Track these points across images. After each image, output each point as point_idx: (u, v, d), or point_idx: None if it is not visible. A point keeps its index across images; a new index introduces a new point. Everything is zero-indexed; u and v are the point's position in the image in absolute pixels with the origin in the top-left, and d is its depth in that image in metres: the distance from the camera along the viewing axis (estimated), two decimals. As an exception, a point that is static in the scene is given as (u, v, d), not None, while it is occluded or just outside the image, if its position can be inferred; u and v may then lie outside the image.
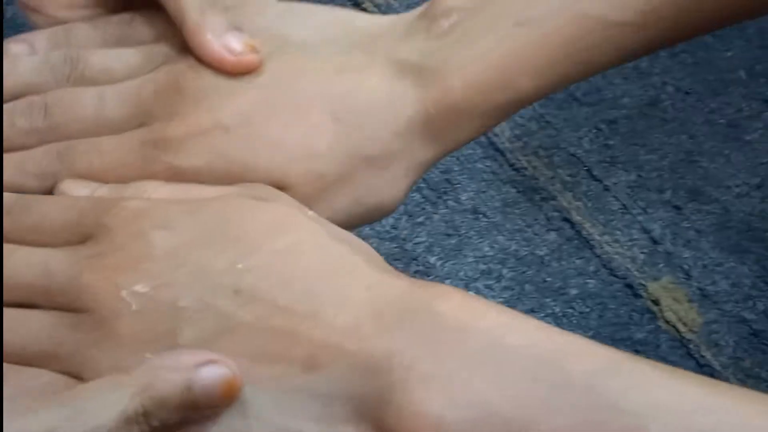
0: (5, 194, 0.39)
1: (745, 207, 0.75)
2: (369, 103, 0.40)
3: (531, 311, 0.68)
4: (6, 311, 0.37)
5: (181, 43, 0.41)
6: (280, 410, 0.33)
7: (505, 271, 0.69)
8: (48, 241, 0.38)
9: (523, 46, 0.39)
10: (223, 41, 0.39)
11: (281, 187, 0.39)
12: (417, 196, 0.68)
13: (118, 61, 0.42)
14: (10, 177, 0.40)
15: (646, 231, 0.73)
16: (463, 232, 0.69)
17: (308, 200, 0.38)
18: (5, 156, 0.41)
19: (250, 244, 0.35)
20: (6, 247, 0.38)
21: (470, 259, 0.69)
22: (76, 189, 0.40)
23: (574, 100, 0.76)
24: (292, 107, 0.39)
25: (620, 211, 0.74)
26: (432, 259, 0.66)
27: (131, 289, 0.35)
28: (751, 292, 0.71)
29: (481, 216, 0.71)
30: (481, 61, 0.39)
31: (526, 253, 0.71)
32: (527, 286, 0.69)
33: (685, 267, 0.72)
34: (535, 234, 0.72)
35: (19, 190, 0.40)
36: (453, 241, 0.68)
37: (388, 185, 0.40)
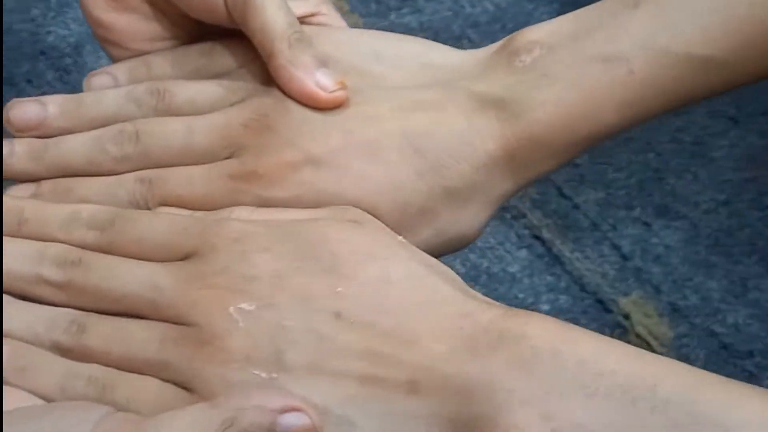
0: (106, 207, 0.40)
1: (712, 223, 0.75)
2: (449, 138, 0.40)
3: None
4: (115, 320, 0.38)
5: (264, 74, 0.42)
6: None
7: (477, 287, 0.65)
8: (149, 256, 0.38)
9: (610, 82, 0.39)
10: (315, 79, 0.40)
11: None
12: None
13: (202, 93, 0.42)
14: (102, 201, 0.41)
15: (615, 247, 0.73)
16: None
17: (397, 228, 0.39)
18: (98, 180, 0.42)
19: (347, 269, 0.36)
20: (107, 259, 0.39)
21: None
22: (174, 212, 0.40)
23: (542, 120, 0.79)
24: (376, 143, 0.40)
25: (590, 228, 0.74)
26: (404, 278, 0.68)
27: (238, 306, 0.36)
28: (720, 305, 0.71)
29: None
30: (567, 96, 0.39)
31: (497, 270, 0.70)
32: (500, 302, 0.69)
33: (655, 282, 0.72)
34: (507, 251, 0.72)
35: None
36: None
37: (468, 217, 0.40)
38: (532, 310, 0.69)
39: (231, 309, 0.36)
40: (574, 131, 0.39)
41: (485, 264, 0.71)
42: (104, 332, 0.38)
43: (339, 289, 0.36)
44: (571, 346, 0.33)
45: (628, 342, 0.70)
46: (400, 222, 0.40)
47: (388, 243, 0.38)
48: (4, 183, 0.43)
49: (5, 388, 0.37)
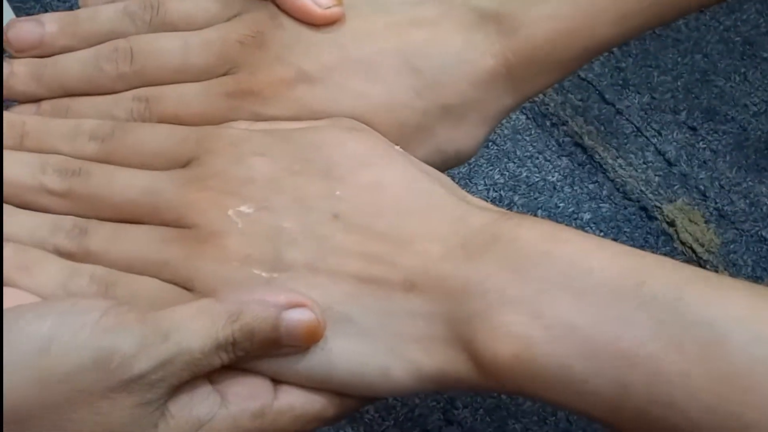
0: (106, 121, 0.40)
1: (762, 125, 0.74)
2: (446, 54, 0.40)
3: None
4: (114, 225, 0.38)
5: None
6: (386, 330, 0.35)
7: (516, 197, 0.69)
8: (148, 164, 0.39)
9: None
10: None
11: None
12: (424, 125, 0.70)
13: (197, 6, 0.42)
14: (101, 119, 0.41)
15: (660, 153, 0.72)
16: (474, 160, 0.68)
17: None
18: (96, 98, 0.42)
19: (343, 172, 0.36)
20: (108, 168, 0.39)
21: (481, 187, 0.69)
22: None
23: (583, 23, 0.76)
24: (372, 61, 0.40)
25: (633, 134, 0.73)
26: (443, 189, 0.68)
27: (237, 209, 0.36)
28: None
29: (491, 144, 0.70)
30: (564, 9, 0.39)
31: (537, 179, 0.70)
32: (539, 212, 0.68)
33: (701, 188, 0.71)
34: (547, 160, 0.71)
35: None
36: (464, 170, 0.68)
37: (466, 134, 0.41)
38: (574, 219, 0.69)
39: (230, 212, 0.36)
40: (572, 46, 0.39)
41: (524, 173, 0.70)
42: (105, 235, 0.38)
43: (337, 192, 0.36)
44: (562, 245, 0.34)
45: (674, 250, 0.71)
46: (397, 140, 0.39)
47: (384, 149, 0.38)
48: (6, 104, 0.43)
49: (5, 288, 0.37)
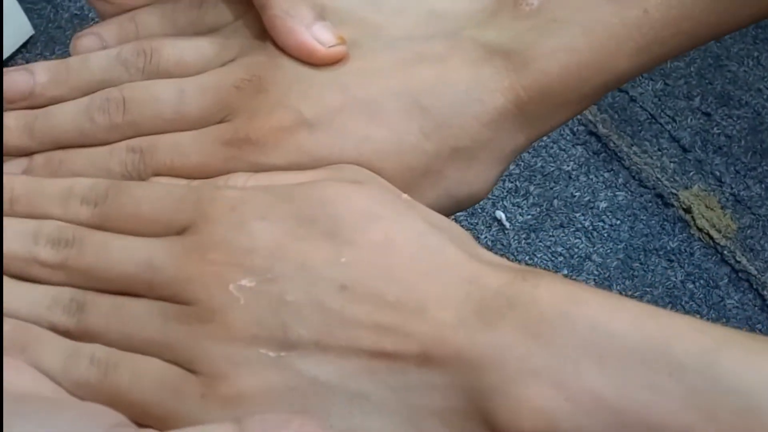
0: (99, 180, 0.40)
1: None
2: (455, 93, 0.38)
3: (560, 226, 0.68)
4: (112, 299, 0.37)
5: (257, 28, 0.40)
6: (403, 404, 0.34)
7: (532, 188, 0.69)
8: (144, 230, 0.38)
9: (623, 24, 0.37)
10: (313, 32, 0.38)
11: None
12: (439, 117, 0.71)
13: (192, 51, 0.41)
14: (95, 173, 0.41)
15: (675, 139, 0.73)
16: None
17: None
18: (90, 150, 0.41)
19: (348, 232, 0.35)
20: (102, 237, 0.38)
21: None
22: (168, 182, 0.40)
23: (595, 10, 0.77)
24: (376, 102, 0.38)
25: (648, 121, 0.73)
26: (458, 181, 0.68)
27: (238, 283, 0.35)
28: None
29: None
30: (578, 42, 0.37)
31: (552, 168, 0.70)
32: (555, 202, 0.69)
33: (717, 173, 0.71)
34: (561, 149, 0.71)
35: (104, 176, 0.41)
36: None
37: (477, 175, 0.39)
38: (590, 207, 0.71)
39: (231, 287, 0.35)
40: (587, 81, 0.37)
41: (539, 163, 0.70)
42: (104, 311, 0.37)
43: (342, 259, 0.35)
44: (582, 307, 0.32)
45: (690, 236, 0.72)
46: (405, 186, 0.38)
47: (391, 202, 0.37)
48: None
49: (10, 361, 0.37)
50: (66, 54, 0.45)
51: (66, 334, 0.37)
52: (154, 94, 0.40)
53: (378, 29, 0.39)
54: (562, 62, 0.37)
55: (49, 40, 0.69)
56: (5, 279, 0.39)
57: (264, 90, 0.39)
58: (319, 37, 0.38)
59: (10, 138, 0.42)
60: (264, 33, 0.39)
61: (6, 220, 0.39)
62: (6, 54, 0.68)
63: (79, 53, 0.43)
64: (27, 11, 0.70)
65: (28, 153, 0.42)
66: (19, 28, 0.68)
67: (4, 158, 0.43)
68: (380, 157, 0.38)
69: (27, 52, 0.69)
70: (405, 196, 0.37)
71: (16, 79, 0.42)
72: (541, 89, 0.37)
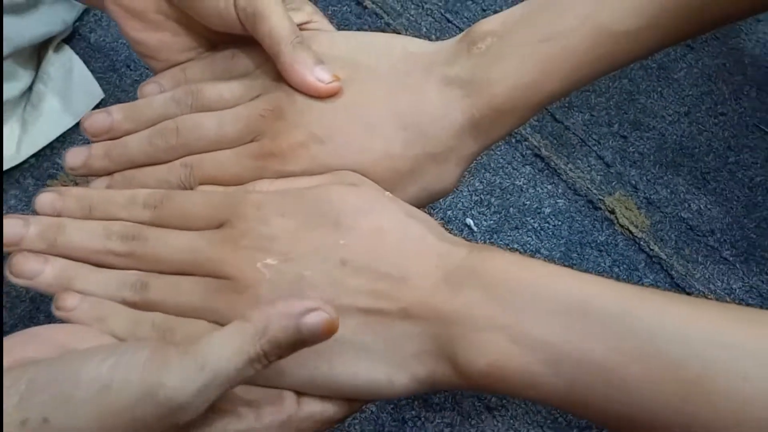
0: (156, 190, 0.42)
1: (677, 131, 0.80)
2: (430, 113, 0.41)
3: (516, 228, 0.72)
4: (168, 278, 0.40)
5: (275, 72, 0.43)
6: (390, 349, 0.36)
7: (493, 199, 0.73)
8: (191, 226, 0.40)
9: (549, 58, 0.40)
10: (314, 74, 0.41)
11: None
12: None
13: (227, 91, 0.44)
14: (157, 184, 0.43)
15: (600, 158, 0.77)
16: None
17: (386, 190, 0.42)
18: (154, 168, 0.44)
19: (348, 222, 0.38)
20: (159, 231, 0.41)
21: (465, 193, 0.74)
22: (210, 189, 0.42)
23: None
24: (370, 122, 0.41)
25: (579, 144, 0.78)
26: (436, 196, 0.73)
27: (264, 261, 0.37)
28: (686, 196, 0.76)
29: None
30: (517, 73, 0.40)
31: (508, 184, 0.74)
32: (511, 210, 0.72)
33: (633, 182, 0.76)
34: (514, 169, 0.75)
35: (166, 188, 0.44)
36: None
37: (446, 174, 0.43)
38: (538, 212, 0.75)
39: (258, 265, 0.37)
40: (525, 101, 0.41)
41: (498, 180, 0.73)
42: (162, 287, 0.39)
43: (342, 241, 0.37)
44: (528, 272, 0.35)
45: (615, 232, 0.77)
46: (393, 183, 0.41)
47: (380, 199, 0.39)
48: (88, 178, 0.46)
49: (80, 327, 0.39)
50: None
51: (134, 305, 0.39)
52: (199, 122, 0.43)
53: (369, 69, 0.42)
54: (504, 89, 0.40)
55: (116, 101, 0.74)
56: (86, 266, 0.41)
57: (283, 117, 0.41)
58: (319, 76, 0.41)
59: (96, 162, 0.45)
60: (280, 76, 0.42)
61: (86, 222, 0.41)
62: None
63: (144, 96, 0.46)
64: (98, 79, 0.75)
65: (110, 172, 0.45)
66: (91, 93, 0.74)
67: (94, 177, 0.45)
68: (374, 163, 0.41)
69: (100, 110, 0.76)
70: (388, 194, 0.40)
71: (98, 119, 0.45)
72: (491, 108, 0.41)
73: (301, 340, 0.32)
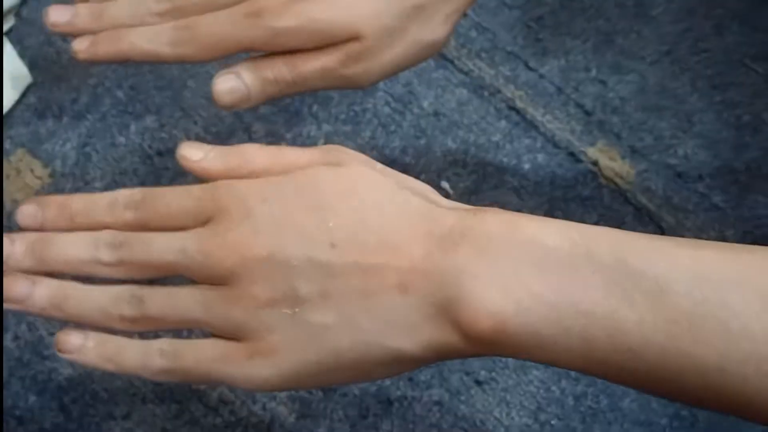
0: (136, 189, 0.43)
1: (657, 73, 0.78)
2: None
3: (495, 188, 0.72)
4: (164, 289, 0.41)
5: None
6: (395, 323, 0.37)
7: (468, 158, 0.73)
8: (177, 225, 0.42)
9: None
10: None
11: (358, 38, 0.46)
12: (386, 109, 0.72)
13: None
14: (147, 50, 0.47)
15: (579, 106, 0.76)
16: (429, 132, 0.73)
17: (380, 45, 0.46)
18: (145, 29, 0.47)
19: (333, 205, 0.39)
20: (146, 236, 0.42)
21: (438, 154, 0.73)
22: (192, 153, 0.44)
23: (504, 5, 0.78)
24: None
25: (556, 93, 0.77)
26: (407, 159, 0.71)
27: (253, 255, 0.38)
28: (671, 141, 0.75)
29: (441, 117, 0.74)
30: None
31: (483, 141, 0.73)
32: (488, 168, 0.72)
33: (615, 130, 0.75)
34: (488, 124, 0.74)
35: (154, 57, 0.48)
36: (422, 142, 0.72)
37: (436, 26, 0.48)
38: (517, 169, 0.74)
39: (248, 262, 0.38)
40: None
41: (472, 137, 0.74)
42: (159, 301, 0.41)
43: (330, 223, 0.38)
44: (520, 229, 0.36)
45: (599, 185, 0.74)
46: (382, 39, 0.46)
47: (366, 174, 0.41)
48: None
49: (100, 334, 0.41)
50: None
51: (133, 321, 0.41)
52: None
53: None
54: None
55: (54, 78, 0.72)
56: (78, 285, 0.42)
57: None
58: None
59: (80, 21, 0.49)
60: None
61: (72, 235, 0.43)
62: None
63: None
64: (33, 56, 0.72)
65: (93, 32, 0.48)
66: (18, 78, 0.70)
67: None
68: (363, 21, 0.45)
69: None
70: (380, 166, 0.42)
71: None
72: None
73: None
